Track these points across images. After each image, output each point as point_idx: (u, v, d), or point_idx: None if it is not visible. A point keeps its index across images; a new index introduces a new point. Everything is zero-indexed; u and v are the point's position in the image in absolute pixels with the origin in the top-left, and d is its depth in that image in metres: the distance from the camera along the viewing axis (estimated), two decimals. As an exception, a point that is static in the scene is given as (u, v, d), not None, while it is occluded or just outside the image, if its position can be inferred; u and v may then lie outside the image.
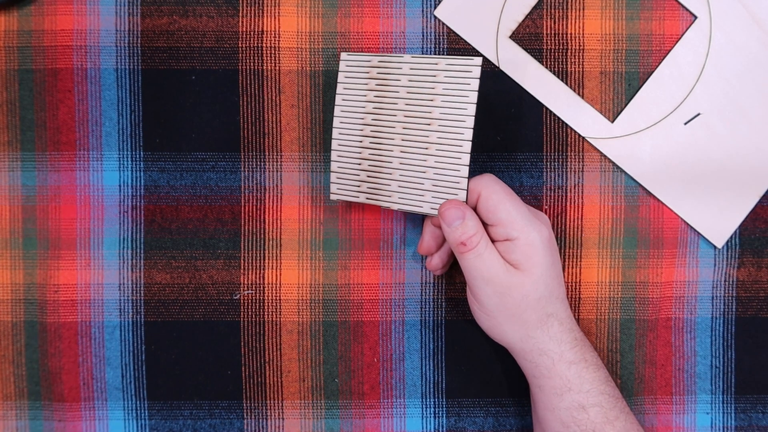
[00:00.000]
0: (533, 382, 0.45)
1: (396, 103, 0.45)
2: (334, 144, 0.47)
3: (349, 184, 0.47)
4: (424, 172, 0.45)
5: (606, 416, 0.44)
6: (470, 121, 0.44)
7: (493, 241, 0.44)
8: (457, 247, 0.44)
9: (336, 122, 0.47)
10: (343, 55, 0.47)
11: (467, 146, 0.44)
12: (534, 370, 0.45)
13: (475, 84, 0.44)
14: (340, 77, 0.47)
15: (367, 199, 0.47)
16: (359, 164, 0.47)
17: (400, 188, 0.46)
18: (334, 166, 0.47)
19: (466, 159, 0.44)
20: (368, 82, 0.46)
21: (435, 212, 0.45)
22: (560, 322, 0.45)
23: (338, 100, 0.47)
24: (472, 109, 0.44)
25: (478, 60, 0.44)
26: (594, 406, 0.43)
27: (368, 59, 0.46)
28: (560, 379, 0.44)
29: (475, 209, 0.45)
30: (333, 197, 0.48)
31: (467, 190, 0.44)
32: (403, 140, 0.45)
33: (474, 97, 0.44)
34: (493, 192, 0.44)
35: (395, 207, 0.46)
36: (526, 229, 0.43)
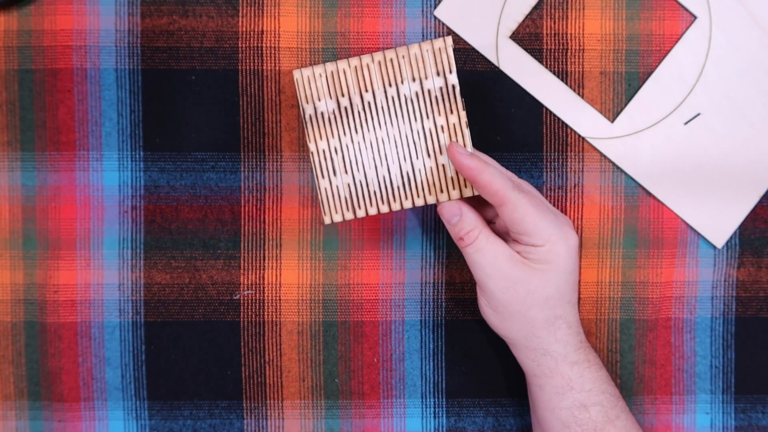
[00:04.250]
0: (534, 382, 0.45)
1: (374, 106, 0.44)
2: (317, 170, 0.44)
3: (343, 204, 0.45)
4: (427, 164, 0.45)
5: (607, 415, 0.44)
6: (460, 102, 0.44)
7: (514, 241, 0.44)
8: (457, 242, 0.44)
9: (311, 147, 0.44)
10: (296, 74, 0.44)
11: (463, 121, 0.44)
12: (536, 369, 0.45)
13: (452, 62, 0.43)
14: (301, 99, 0.44)
15: (367, 212, 0.45)
16: (349, 182, 0.45)
17: (402, 188, 0.45)
18: (323, 192, 0.45)
19: (467, 133, 0.44)
20: (332, 93, 0.44)
21: (444, 199, 0.45)
22: (568, 325, 0.45)
23: (309, 124, 0.44)
24: (458, 88, 0.44)
25: (449, 39, 0.43)
26: (595, 405, 0.43)
27: (324, 70, 0.44)
28: (562, 379, 0.44)
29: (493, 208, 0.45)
30: (328, 221, 0.45)
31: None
32: (394, 141, 0.44)
33: (454, 77, 0.44)
34: (521, 205, 0.43)
35: (404, 206, 0.45)
36: (553, 238, 0.43)
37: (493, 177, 0.42)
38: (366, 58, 0.44)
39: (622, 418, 0.44)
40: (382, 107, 0.44)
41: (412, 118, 0.44)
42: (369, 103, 0.44)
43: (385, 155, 0.45)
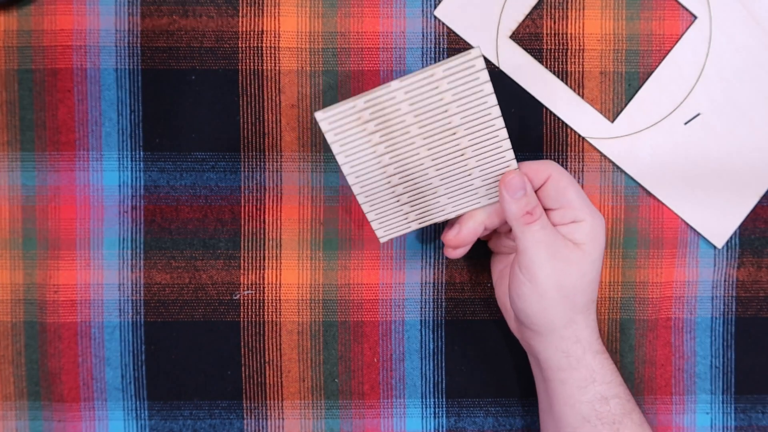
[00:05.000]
0: (555, 377, 0.44)
1: (408, 132, 0.43)
2: (360, 198, 0.45)
3: (394, 221, 0.46)
4: (469, 174, 0.44)
5: (624, 408, 0.44)
6: (496, 111, 0.42)
7: (554, 225, 0.44)
8: (523, 218, 0.43)
9: (350, 179, 0.44)
10: (318, 115, 0.42)
11: (503, 133, 0.43)
12: (562, 361, 0.44)
13: (485, 76, 0.42)
14: (329, 138, 0.43)
15: (420, 223, 0.46)
16: (397, 200, 0.45)
17: (449, 199, 0.45)
18: (370, 216, 0.45)
19: (507, 144, 0.43)
20: (364, 127, 0.43)
21: (494, 200, 0.45)
22: (595, 310, 0.45)
23: (341, 159, 0.43)
24: (492, 100, 0.42)
25: (476, 51, 0.41)
26: (615, 398, 0.43)
27: (351, 106, 0.42)
28: (586, 370, 0.43)
29: (535, 192, 0.44)
30: (383, 240, 0.46)
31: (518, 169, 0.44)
32: (433, 159, 0.44)
33: (489, 88, 0.42)
34: (563, 175, 0.44)
35: (453, 215, 0.46)
36: (593, 213, 0.44)
37: (529, 163, 0.44)
38: (392, 86, 0.42)
39: (637, 411, 0.44)
40: (421, 131, 0.44)
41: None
42: (408, 129, 0.43)
43: (428, 173, 0.45)
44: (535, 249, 0.43)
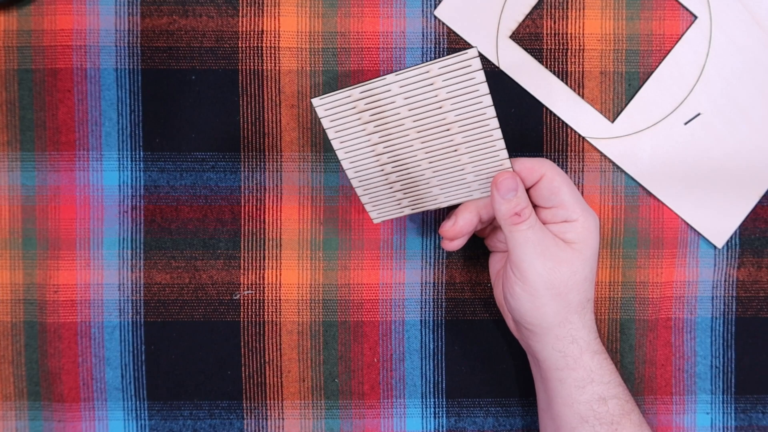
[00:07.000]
0: (554, 376, 0.44)
1: (403, 124, 0.43)
2: (354, 182, 0.45)
3: (387, 205, 0.46)
4: (462, 169, 0.44)
5: (623, 408, 0.44)
6: (491, 111, 0.42)
7: (546, 223, 0.44)
8: (511, 218, 0.43)
9: (345, 164, 0.45)
10: (315, 101, 0.43)
11: (497, 134, 0.43)
12: (559, 360, 0.44)
13: (481, 76, 0.42)
14: (325, 123, 0.43)
15: (412, 210, 0.46)
16: (390, 187, 0.45)
17: (442, 190, 0.45)
18: (363, 198, 0.46)
19: (501, 144, 0.43)
20: (360, 116, 0.43)
21: (487, 194, 0.45)
22: (592, 310, 0.45)
23: (336, 144, 0.44)
24: (488, 100, 0.42)
25: (473, 52, 0.41)
26: (613, 398, 0.43)
27: (346, 95, 0.42)
28: (584, 370, 0.44)
29: (528, 190, 0.45)
30: (376, 221, 0.47)
31: (512, 169, 0.44)
32: (426, 152, 0.44)
33: (485, 88, 0.42)
34: (557, 174, 0.44)
35: (444, 205, 0.46)
36: (585, 212, 0.44)
37: (524, 161, 0.44)
38: (388, 80, 0.42)
39: (636, 412, 0.44)
40: (415, 124, 0.44)
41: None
42: (402, 122, 0.44)
43: (421, 165, 0.45)
44: (523, 248, 0.43)
